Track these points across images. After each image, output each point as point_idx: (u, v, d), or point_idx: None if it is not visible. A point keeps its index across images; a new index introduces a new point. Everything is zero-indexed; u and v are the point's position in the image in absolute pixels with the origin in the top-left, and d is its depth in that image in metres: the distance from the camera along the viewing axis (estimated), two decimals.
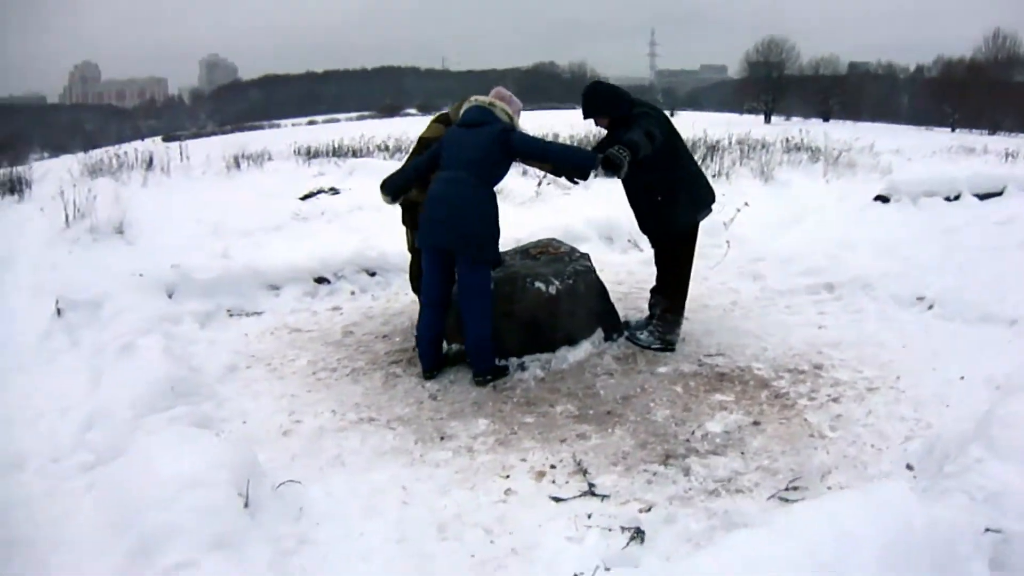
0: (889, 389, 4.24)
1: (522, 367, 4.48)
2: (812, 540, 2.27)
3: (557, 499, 3.21)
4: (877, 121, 36.85)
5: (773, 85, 45.70)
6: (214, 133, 30.90)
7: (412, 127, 22.28)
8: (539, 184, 9.36)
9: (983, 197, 9.72)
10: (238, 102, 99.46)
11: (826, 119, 40.48)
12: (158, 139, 24.26)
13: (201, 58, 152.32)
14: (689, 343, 4.94)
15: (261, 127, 31.69)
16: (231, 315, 5.50)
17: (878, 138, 16.62)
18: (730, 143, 14.12)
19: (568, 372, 4.46)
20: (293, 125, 29.41)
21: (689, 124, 20.49)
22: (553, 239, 5.24)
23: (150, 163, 12.07)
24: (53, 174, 11.01)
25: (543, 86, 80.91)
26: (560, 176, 4.76)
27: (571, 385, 4.31)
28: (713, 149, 12.61)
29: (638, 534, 2.89)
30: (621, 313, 5.31)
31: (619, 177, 4.12)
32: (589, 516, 3.07)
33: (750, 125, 19.27)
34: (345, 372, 4.57)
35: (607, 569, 2.66)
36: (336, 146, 14.65)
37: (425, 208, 4.27)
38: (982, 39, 48.62)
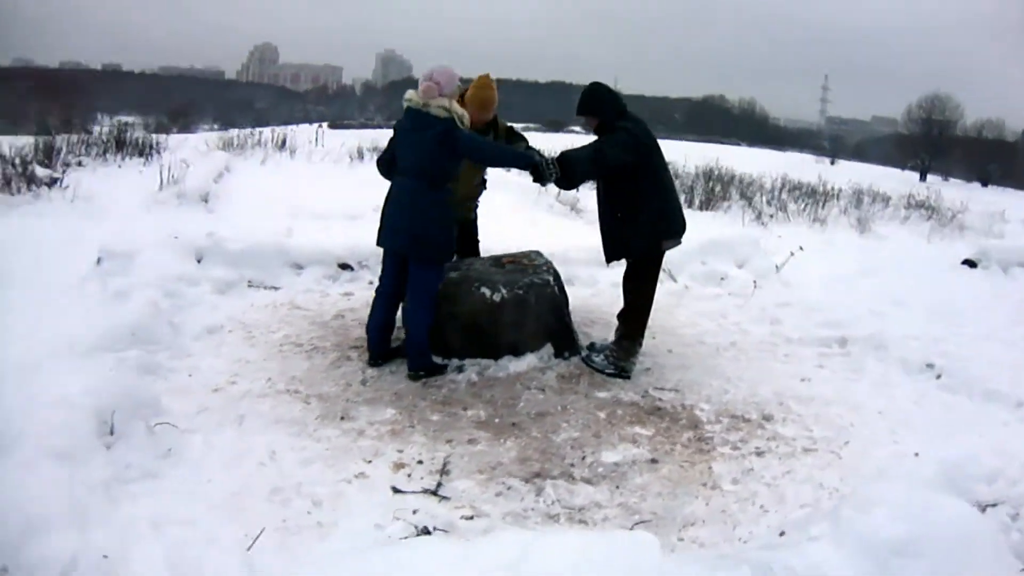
0: (828, 453, 4.01)
1: (460, 369, 4.60)
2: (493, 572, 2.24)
3: (396, 490, 3.33)
4: None
5: (932, 143, 43.44)
6: (379, 126, 32.33)
7: (574, 143, 22.65)
8: None
9: None
10: None
11: (985, 184, 38.13)
12: (325, 125, 25.91)
13: (378, 52, 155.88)
14: (652, 374, 4.86)
15: None
16: (250, 286, 5.92)
17: (1006, 204, 15.52)
18: (855, 193, 13.53)
19: (502, 381, 4.52)
20: None
21: (834, 174, 19.87)
22: (532, 252, 5.29)
23: (282, 145, 12.97)
24: (190, 144, 12.12)
25: (710, 119, 79.66)
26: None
27: (497, 393, 4.38)
28: (823, 196, 12.17)
29: (424, 533, 2.97)
30: (601, 335, 5.32)
31: (543, 186, 4.26)
32: (414, 512, 3.17)
33: (903, 182, 18.21)
34: (307, 348, 4.85)
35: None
36: None
37: (383, 209, 4.52)
38: None
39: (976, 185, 36.49)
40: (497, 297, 4.60)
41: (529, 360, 4.70)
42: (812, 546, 2.67)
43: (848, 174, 19.16)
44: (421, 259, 4.40)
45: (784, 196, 11.80)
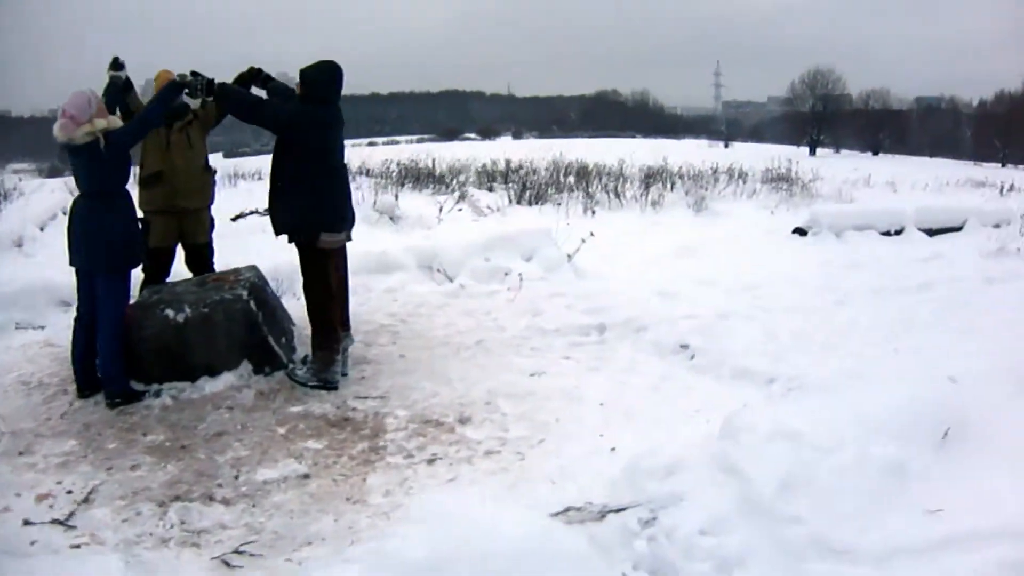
0: (512, 455, 4.06)
1: (157, 394, 4.77)
2: None
3: (27, 522, 3.51)
4: (936, 156, 35.75)
5: (820, 117, 44.89)
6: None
7: (469, 151, 22.82)
8: (440, 210, 9.60)
9: (935, 232, 9.31)
10: None
11: (876, 152, 40.05)
12: (219, 155, 25.72)
13: (281, 71, 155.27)
14: (366, 382, 5.04)
15: None
16: (17, 327, 6.09)
17: (881, 170, 16.03)
18: (714, 172, 13.91)
19: (196, 403, 4.70)
20: (353, 146, 30.17)
21: (724, 157, 20.17)
22: (248, 267, 5.38)
23: None
24: (47, 188, 12.10)
25: (605, 114, 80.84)
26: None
27: (185, 416, 4.55)
28: (650, 177, 12.49)
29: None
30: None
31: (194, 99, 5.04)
32: (32, 543, 3.34)
33: (791, 160, 18.54)
34: (33, 386, 5.04)
35: None
36: None
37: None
38: None
39: (868, 155, 38.19)
40: (181, 317, 4.74)
41: (226, 379, 4.85)
42: (338, 570, 2.72)
43: (741, 156, 19.56)
44: (104, 267, 4.61)
45: (624, 183, 12.02)
